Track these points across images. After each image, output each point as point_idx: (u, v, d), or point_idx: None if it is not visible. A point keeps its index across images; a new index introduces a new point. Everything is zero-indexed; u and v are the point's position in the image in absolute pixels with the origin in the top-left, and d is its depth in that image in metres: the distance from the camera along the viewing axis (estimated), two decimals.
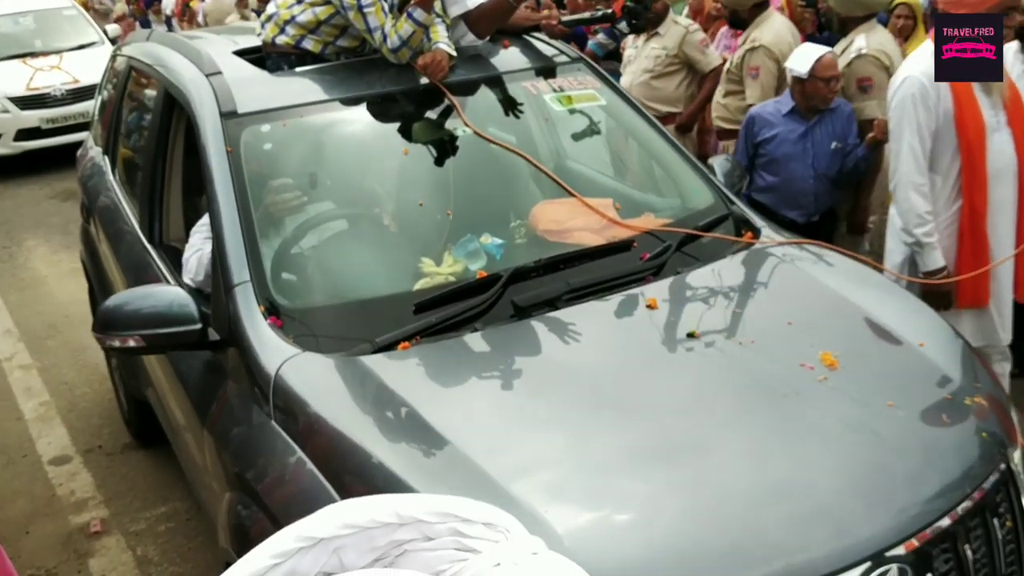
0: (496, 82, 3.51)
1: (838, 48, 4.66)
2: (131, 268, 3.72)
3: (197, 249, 3.19)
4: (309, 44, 3.57)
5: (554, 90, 3.50)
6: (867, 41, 4.57)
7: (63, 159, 8.63)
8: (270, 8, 3.62)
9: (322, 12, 3.48)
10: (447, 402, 2.40)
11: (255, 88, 3.29)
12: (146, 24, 14.72)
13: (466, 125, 3.19)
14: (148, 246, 3.64)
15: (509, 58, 3.62)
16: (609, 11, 3.92)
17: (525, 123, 3.48)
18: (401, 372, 2.47)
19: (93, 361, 5.46)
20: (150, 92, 4.01)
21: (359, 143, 3.31)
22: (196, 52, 3.52)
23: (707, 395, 2.38)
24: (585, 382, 2.41)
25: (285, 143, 3.19)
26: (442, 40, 3.49)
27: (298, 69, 3.46)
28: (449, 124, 3.28)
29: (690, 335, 2.57)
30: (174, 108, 3.61)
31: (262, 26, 3.62)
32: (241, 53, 3.73)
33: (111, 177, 4.42)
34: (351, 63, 3.54)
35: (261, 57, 3.70)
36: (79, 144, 5.44)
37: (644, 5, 4.14)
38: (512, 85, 3.51)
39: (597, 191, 3.28)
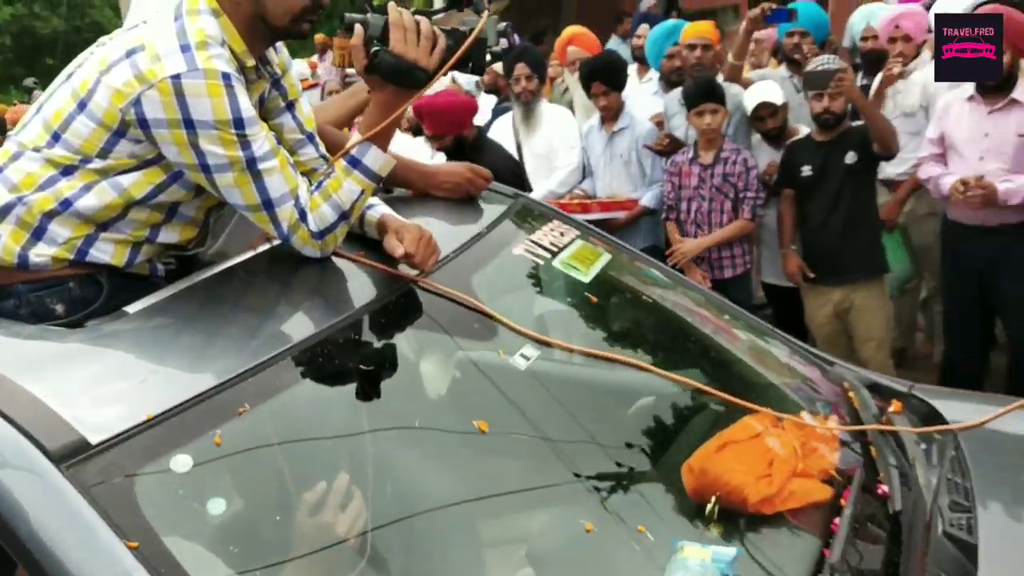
0: (480, 258, 2.04)
1: None
2: None
3: None
4: (106, 252, 1.77)
5: (549, 251, 2.15)
6: None
7: None
8: None
9: (137, 185, 1.73)
10: None
11: (94, 374, 1.47)
12: None
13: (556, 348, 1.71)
14: None
15: (449, 213, 2.18)
16: None
17: (566, 316, 2.07)
18: None
19: None
20: None
21: (381, 439, 1.61)
22: None
23: None
24: None
25: (228, 484, 1.42)
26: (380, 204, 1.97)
27: (132, 310, 1.65)
28: (484, 347, 1.78)
29: None
30: None
31: None
32: None
33: None
34: (221, 276, 1.80)
35: None
36: None
37: None
38: (500, 258, 2.08)
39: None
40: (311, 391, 1.57)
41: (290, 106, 1.94)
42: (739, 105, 4.38)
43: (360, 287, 1.78)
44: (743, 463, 1.77)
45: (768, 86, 4.29)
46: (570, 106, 5.64)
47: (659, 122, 4.71)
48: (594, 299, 2.06)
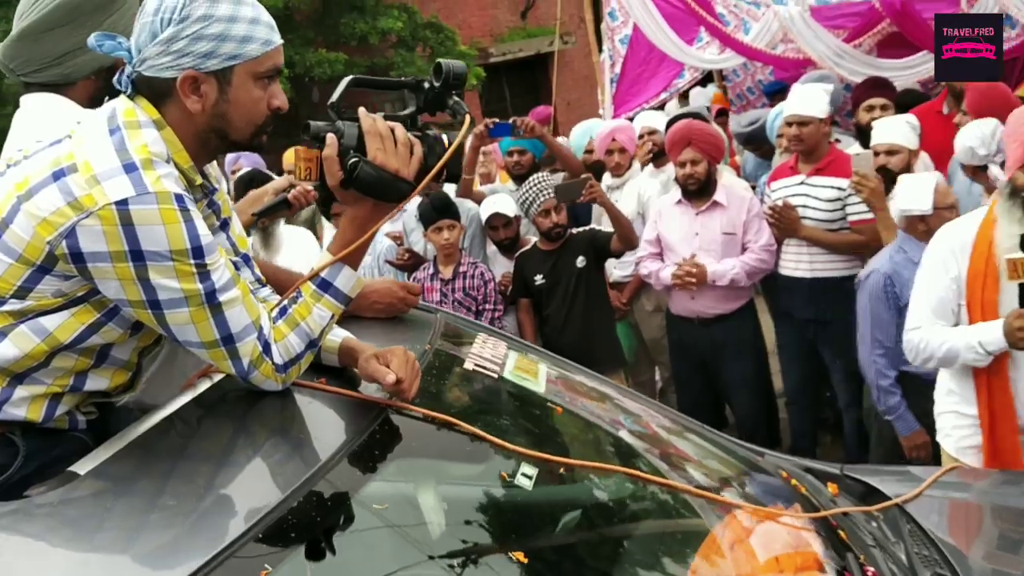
0: (438, 375, 1.90)
1: None
2: None
3: None
4: (21, 408, 1.48)
5: (494, 363, 2.04)
6: None
7: None
8: None
9: (64, 328, 1.47)
10: None
11: (68, 558, 1.19)
12: None
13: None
14: None
15: (385, 332, 2.02)
16: None
17: (539, 429, 1.93)
18: None
19: None
20: None
21: None
22: None
23: None
24: None
25: None
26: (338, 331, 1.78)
27: (83, 471, 1.36)
28: (484, 471, 1.63)
29: None
30: None
31: None
32: None
33: None
34: (172, 423, 1.54)
35: None
36: None
37: None
38: (455, 374, 1.95)
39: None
40: (329, 537, 1.36)
41: (224, 225, 1.72)
42: (473, 219, 4.48)
43: (337, 418, 1.59)
44: (757, 562, 1.72)
45: (502, 198, 4.42)
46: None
47: (396, 237, 4.71)
48: (559, 409, 1.97)
